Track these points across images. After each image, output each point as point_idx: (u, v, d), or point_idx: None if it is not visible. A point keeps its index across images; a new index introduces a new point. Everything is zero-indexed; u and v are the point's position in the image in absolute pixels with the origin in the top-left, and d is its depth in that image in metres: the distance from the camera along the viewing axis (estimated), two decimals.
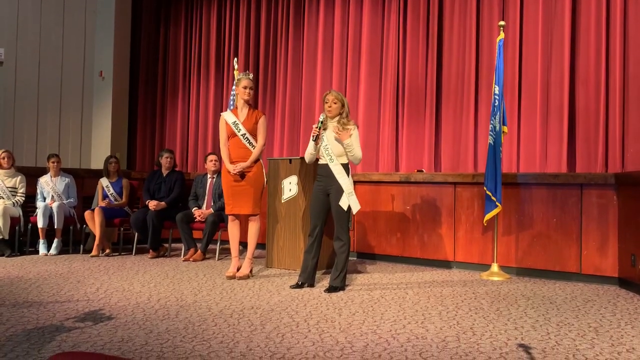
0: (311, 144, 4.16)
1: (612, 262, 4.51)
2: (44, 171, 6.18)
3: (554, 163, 5.11)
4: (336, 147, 4.10)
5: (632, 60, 4.63)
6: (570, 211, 4.72)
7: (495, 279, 4.71)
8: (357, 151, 4.08)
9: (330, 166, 4.09)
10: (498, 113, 4.77)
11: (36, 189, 6.07)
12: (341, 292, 3.99)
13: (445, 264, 5.35)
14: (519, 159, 5.35)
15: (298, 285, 4.16)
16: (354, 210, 4.11)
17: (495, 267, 4.84)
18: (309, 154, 4.24)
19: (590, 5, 4.96)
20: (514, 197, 4.97)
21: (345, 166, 4.12)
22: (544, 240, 4.83)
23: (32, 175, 6.15)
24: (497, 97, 4.79)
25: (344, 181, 4.07)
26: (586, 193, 4.66)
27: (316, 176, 4.26)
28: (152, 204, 5.78)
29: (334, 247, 4.18)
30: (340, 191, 4.06)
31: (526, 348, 2.67)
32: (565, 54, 5.07)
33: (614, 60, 4.78)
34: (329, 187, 4.11)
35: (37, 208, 5.92)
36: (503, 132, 4.83)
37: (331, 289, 4.02)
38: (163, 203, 5.83)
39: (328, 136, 4.13)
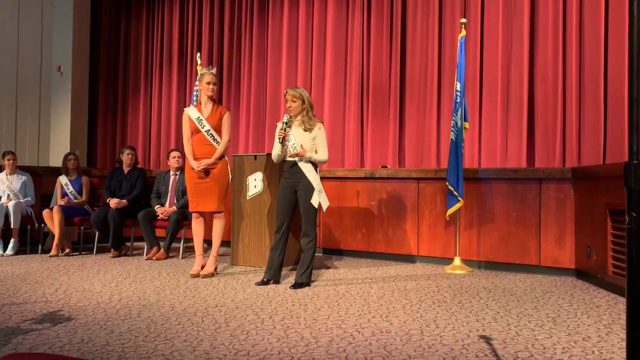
0: (277, 145, 4.13)
1: (569, 254, 4.66)
2: None
3: (514, 158, 5.23)
4: (304, 145, 4.08)
5: (587, 59, 4.77)
6: (529, 205, 4.85)
7: (458, 272, 4.80)
8: (322, 155, 4.11)
9: (299, 164, 4.08)
10: (460, 109, 4.85)
11: None
12: (307, 288, 4.00)
13: (409, 259, 5.42)
14: (480, 155, 5.46)
15: (263, 282, 4.14)
16: (324, 207, 4.12)
17: (457, 261, 4.93)
18: (276, 155, 4.20)
19: (547, 3, 5.09)
20: (475, 192, 5.07)
21: (314, 163, 4.12)
22: (504, 233, 4.95)
23: None
24: (458, 93, 4.87)
25: (314, 177, 4.06)
26: (545, 187, 4.79)
27: (282, 172, 4.24)
28: (113, 202, 5.66)
29: (300, 243, 4.18)
30: (309, 188, 4.05)
31: (487, 339, 2.73)
32: (524, 52, 5.19)
33: (570, 58, 4.91)
34: (297, 184, 4.09)
35: None
36: (465, 128, 4.92)
37: (297, 285, 4.02)
38: (124, 201, 5.71)
39: (295, 134, 4.11)
